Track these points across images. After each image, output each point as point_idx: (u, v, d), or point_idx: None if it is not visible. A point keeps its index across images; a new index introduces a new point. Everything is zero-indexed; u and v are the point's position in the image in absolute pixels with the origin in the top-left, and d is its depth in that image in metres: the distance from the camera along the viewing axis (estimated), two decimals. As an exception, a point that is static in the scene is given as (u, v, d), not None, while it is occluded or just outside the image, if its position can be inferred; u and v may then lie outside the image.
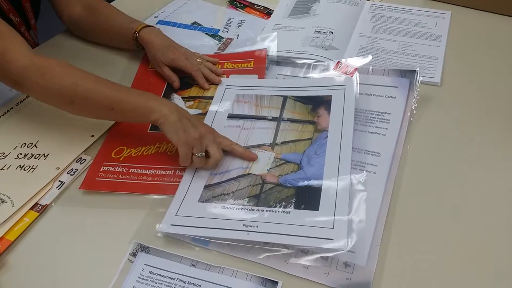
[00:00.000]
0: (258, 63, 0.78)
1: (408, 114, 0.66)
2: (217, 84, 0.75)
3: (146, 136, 0.69)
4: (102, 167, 0.64)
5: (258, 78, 0.75)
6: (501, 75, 0.74)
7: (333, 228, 0.52)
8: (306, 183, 0.59)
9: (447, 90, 0.72)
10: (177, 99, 0.75)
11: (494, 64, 0.76)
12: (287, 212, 0.55)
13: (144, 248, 0.53)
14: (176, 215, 0.57)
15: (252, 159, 0.61)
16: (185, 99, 0.74)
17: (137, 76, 0.79)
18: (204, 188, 0.60)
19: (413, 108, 0.67)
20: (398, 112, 0.66)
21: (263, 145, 0.65)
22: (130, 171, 0.63)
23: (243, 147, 0.63)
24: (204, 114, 0.70)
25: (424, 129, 0.66)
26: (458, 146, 0.63)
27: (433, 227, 0.54)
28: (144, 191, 0.60)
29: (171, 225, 0.55)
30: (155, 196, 0.60)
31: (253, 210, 0.56)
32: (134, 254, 0.53)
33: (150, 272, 0.51)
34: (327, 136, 0.63)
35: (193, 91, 0.76)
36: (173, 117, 0.59)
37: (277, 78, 0.76)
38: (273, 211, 0.55)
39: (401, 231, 0.54)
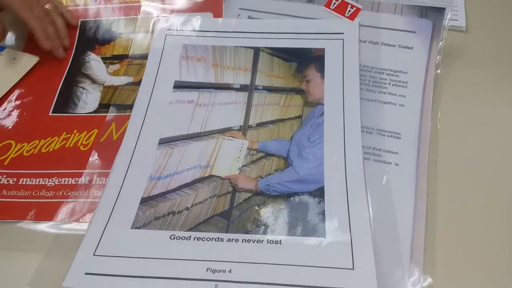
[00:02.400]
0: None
1: (432, 73, 0.47)
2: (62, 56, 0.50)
3: (46, 121, 0.45)
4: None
5: (214, 17, 0.53)
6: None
7: (353, 268, 0.34)
8: (299, 188, 0.39)
9: (476, 36, 0.54)
10: (94, 60, 0.51)
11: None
12: (275, 242, 0.36)
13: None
14: (94, 255, 0.35)
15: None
16: (107, 60, 0.51)
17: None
18: (140, 203, 0.39)
19: (439, 63, 0.48)
20: (418, 70, 0.47)
21: (229, 129, 0.43)
22: (20, 182, 0.41)
23: None
24: (137, 83, 0.47)
25: (456, 94, 0.47)
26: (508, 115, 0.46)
27: (495, 239, 0.37)
28: (41, 216, 0.38)
29: (86, 274, 0.34)
30: (64, 225, 0.38)
31: (222, 240, 0.36)
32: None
33: None
34: (323, 112, 0.44)
35: (118, 47, 0.52)
36: None
37: (239, 16, 0.53)
38: (253, 241, 0.36)
39: (451, 253, 0.37)
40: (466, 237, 0.38)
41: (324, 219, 0.37)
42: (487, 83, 0.49)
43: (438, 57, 0.48)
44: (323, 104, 0.44)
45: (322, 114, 0.43)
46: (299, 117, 0.44)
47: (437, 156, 0.42)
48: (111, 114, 0.45)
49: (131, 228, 0.37)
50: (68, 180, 0.40)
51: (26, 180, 0.41)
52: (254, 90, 0.46)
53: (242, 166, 0.41)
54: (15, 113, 0.46)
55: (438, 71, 0.48)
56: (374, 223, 0.36)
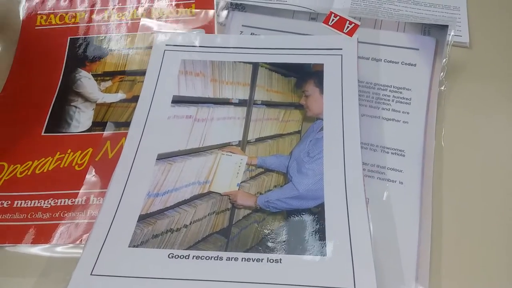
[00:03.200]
0: (203, 6, 0.60)
1: (436, 90, 0.52)
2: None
3: (39, 141, 0.50)
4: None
5: (206, 33, 0.58)
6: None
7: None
8: (299, 204, 0.44)
9: (480, 52, 0.59)
10: (85, 77, 0.56)
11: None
12: (276, 261, 0.40)
13: None
14: (91, 274, 0.39)
15: None
16: (98, 77, 0.56)
17: (21, 39, 0.60)
18: (138, 220, 0.43)
19: (442, 80, 0.53)
20: (422, 87, 0.52)
21: (228, 144, 0.48)
22: (14, 205, 0.45)
23: None
24: (130, 100, 0.53)
25: (460, 110, 0.52)
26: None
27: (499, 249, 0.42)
28: (38, 240, 0.42)
29: (84, 296, 0.39)
30: (60, 248, 0.42)
31: (221, 259, 0.40)
32: None
33: None
34: (322, 127, 0.49)
35: (110, 63, 0.57)
36: None
37: (242, 33, 0.59)
38: (253, 260, 0.40)
39: (458, 274, 0.41)
40: (473, 257, 0.42)
41: (325, 237, 0.41)
42: (491, 99, 0.54)
43: (442, 73, 0.54)
44: (322, 119, 0.49)
45: (322, 129, 0.48)
46: (299, 132, 0.49)
47: (442, 174, 0.47)
48: (108, 132, 0.50)
49: (129, 246, 0.41)
50: (64, 201, 0.45)
51: (21, 203, 0.45)
52: (253, 105, 0.51)
53: (241, 182, 0.45)
54: (7, 134, 0.51)
55: (442, 88, 0.53)
56: (377, 242, 0.41)
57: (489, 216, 0.44)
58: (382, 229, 0.42)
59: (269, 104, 0.51)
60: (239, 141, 0.49)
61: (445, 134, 0.50)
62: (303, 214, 0.43)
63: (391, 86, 0.53)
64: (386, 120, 0.50)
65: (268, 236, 0.42)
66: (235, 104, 0.51)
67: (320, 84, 0.52)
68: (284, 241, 0.41)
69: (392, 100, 0.52)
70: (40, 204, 0.45)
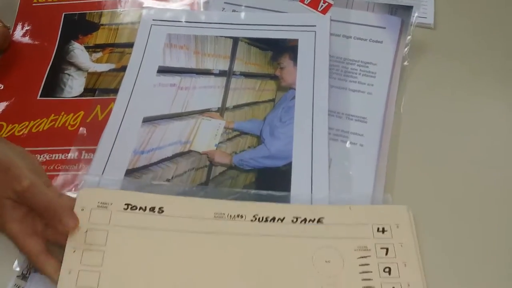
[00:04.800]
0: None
1: (399, 65, 0.58)
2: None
3: (35, 104, 0.55)
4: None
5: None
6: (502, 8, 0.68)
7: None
8: (270, 163, 0.50)
9: (443, 33, 0.65)
10: (78, 49, 0.61)
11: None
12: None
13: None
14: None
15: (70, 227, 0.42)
16: (90, 49, 0.61)
17: (19, 14, 0.65)
18: (125, 174, 0.49)
19: (405, 57, 0.59)
20: (386, 62, 0.58)
21: (208, 110, 0.54)
22: (12, 157, 0.50)
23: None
24: (119, 69, 0.58)
25: (420, 85, 0.58)
26: (466, 105, 0.57)
27: (444, 212, 0.48)
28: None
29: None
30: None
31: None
32: (24, 277, 0.42)
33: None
34: (294, 96, 0.54)
35: (101, 36, 0.62)
36: None
37: (224, 10, 0.64)
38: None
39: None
40: (422, 212, 0.48)
41: (290, 189, 0.47)
42: (450, 76, 0.60)
43: (406, 49, 0.59)
44: (294, 89, 0.55)
45: (294, 98, 0.54)
46: (273, 100, 0.55)
47: (398, 139, 0.53)
48: (98, 97, 0.55)
49: (116, 193, 0.47)
50: (58, 156, 0.50)
51: (18, 156, 0.50)
52: (232, 76, 0.57)
53: (218, 143, 0.51)
54: (5, 98, 0.56)
55: (405, 63, 0.59)
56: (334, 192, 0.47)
57: (438, 176, 0.50)
58: (339, 183, 0.48)
59: (246, 75, 0.57)
60: (218, 107, 0.54)
61: (404, 104, 0.56)
62: (272, 172, 0.49)
63: (359, 61, 0.58)
64: (353, 91, 0.56)
65: (243, 189, 0.48)
66: (216, 75, 0.57)
67: (294, 57, 0.57)
68: (255, 194, 0.47)
69: (359, 74, 0.58)
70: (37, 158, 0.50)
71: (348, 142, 0.52)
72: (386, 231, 0.44)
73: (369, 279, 0.41)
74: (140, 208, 0.45)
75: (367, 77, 0.57)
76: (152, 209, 0.45)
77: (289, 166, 0.49)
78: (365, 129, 0.53)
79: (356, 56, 0.59)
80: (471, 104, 0.57)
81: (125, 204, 0.45)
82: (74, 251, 0.42)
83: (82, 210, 0.44)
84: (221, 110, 0.54)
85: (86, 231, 0.43)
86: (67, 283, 0.40)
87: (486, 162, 0.52)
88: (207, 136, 0.52)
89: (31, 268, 0.42)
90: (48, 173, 0.48)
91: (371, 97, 0.56)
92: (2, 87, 0.58)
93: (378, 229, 0.44)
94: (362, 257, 0.42)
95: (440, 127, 0.55)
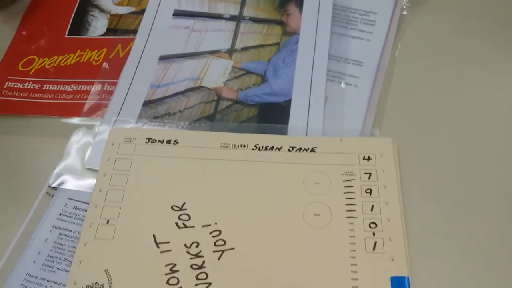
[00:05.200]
0: None
1: (398, 15, 0.62)
2: None
3: (63, 41, 0.61)
4: (7, 83, 0.57)
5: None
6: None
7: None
8: (272, 99, 0.55)
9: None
10: (100, -8, 0.66)
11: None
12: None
13: (67, 180, 0.49)
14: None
15: None
16: (112, -9, 0.66)
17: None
18: (143, 105, 0.55)
19: (404, 7, 0.63)
20: (385, 11, 0.62)
21: (218, 51, 0.59)
22: (44, 87, 0.57)
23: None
24: (138, 12, 0.63)
25: (416, 34, 0.62)
26: (458, 55, 0.61)
27: (427, 150, 0.53)
28: (63, 113, 0.55)
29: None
30: (79, 120, 0.54)
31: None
32: (54, 188, 0.49)
33: (75, 207, 0.48)
34: (298, 40, 0.59)
35: (122, -20, 0.67)
36: None
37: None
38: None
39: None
40: (409, 145, 0.53)
41: (289, 117, 0.53)
42: (447, 29, 0.63)
43: (405, 3, 0.63)
44: (298, 34, 0.59)
45: (297, 42, 0.59)
46: (277, 44, 0.59)
47: (391, 82, 0.58)
48: (118, 36, 0.61)
49: (135, 123, 0.53)
50: (84, 86, 0.57)
51: (49, 86, 0.57)
52: (241, 20, 0.61)
53: (226, 80, 0.57)
54: (36, 36, 0.62)
55: (404, 13, 0.63)
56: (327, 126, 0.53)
57: (424, 116, 0.55)
58: (334, 119, 0.54)
59: (255, 20, 0.62)
60: (228, 49, 0.59)
61: (399, 51, 0.60)
62: (273, 107, 0.55)
63: (360, 10, 0.62)
64: (352, 38, 0.61)
65: (244, 122, 0.53)
66: (226, 19, 0.62)
67: (300, 5, 0.62)
68: (257, 126, 0.53)
69: (360, 22, 0.62)
70: (64, 88, 0.56)
71: (343, 83, 0.57)
72: (371, 159, 0.50)
73: (351, 198, 0.47)
74: (159, 141, 0.52)
75: (367, 25, 0.61)
76: (169, 141, 0.52)
77: (288, 102, 0.54)
78: (361, 72, 0.58)
79: (358, 6, 0.63)
80: (463, 55, 0.61)
81: (147, 138, 0.52)
82: (105, 175, 0.49)
83: (112, 144, 0.51)
84: (230, 52, 0.59)
85: (115, 160, 0.50)
86: (97, 199, 0.48)
87: (471, 106, 0.56)
88: (216, 74, 0.57)
89: (60, 180, 0.50)
90: (75, 102, 0.55)
91: (369, 43, 0.60)
92: (24, 34, 0.63)
93: (364, 157, 0.50)
94: (347, 180, 0.49)
95: (431, 73, 0.59)
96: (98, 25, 0.63)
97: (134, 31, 0.61)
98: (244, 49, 0.60)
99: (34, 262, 0.45)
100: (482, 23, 0.64)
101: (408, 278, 0.43)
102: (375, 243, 0.45)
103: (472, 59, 0.60)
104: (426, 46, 0.61)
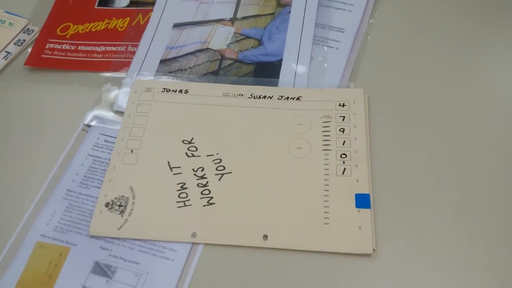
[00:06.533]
0: None
1: (377, -11, 0.72)
2: None
3: (93, 11, 0.73)
4: (48, 44, 0.69)
5: None
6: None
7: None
8: (266, 59, 0.66)
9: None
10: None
11: None
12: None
13: (99, 119, 0.61)
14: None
15: None
16: (135, -30, 0.77)
17: None
18: (160, 62, 0.66)
19: (382, -18, 0.73)
20: (366, -14, 0.72)
21: (222, 20, 0.70)
22: (78, 48, 0.68)
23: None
24: (157, -13, 0.74)
25: (391, 6, 0.72)
26: (427, 22, 0.71)
27: (391, 99, 0.63)
28: (95, 68, 0.66)
29: (129, 98, 0.63)
30: (108, 74, 0.66)
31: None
32: (88, 125, 0.61)
33: (105, 140, 0.59)
34: (290, 11, 0.69)
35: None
36: None
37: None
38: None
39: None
40: (379, 95, 0.64)
41: (279, 72, 0.64)
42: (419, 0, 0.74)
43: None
44: (290, 6, 0.70)
45: (289, 12, 0.69)
46: (272, 14, 0.70)
47: (366, 45, 0.68)
48: (139, 7, 0.72)
49: (153, 76, 0.65)
50: (111, 48, 0.68)
51: (82, 47, 0.68)
52: (242, -6, 0.73)
53: (229, 44, 0.68)
54: (72, 8, 0.74)
55: (382, -12, 0.73)
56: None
57: (393, 72, 0.66)
58: (317, 75, 0.64)
59: (254, -6, 0.73)
60: (230, 18, 0.70)
61: (375, 20, 0.70)
62: (267, 65, 0.65)
63: (344, -15, 0.73)
64: (336, 9, 0.71)
65: (243, 76, 0.64)
66: (230, -7, 0.73)
67: (293, -18, 0.72)
68: (253, 79, 0.64)
69: (343, -4, 0.72)
70: (95, 49, 0.68)
71: (326, 46, 0.67)
72: (346, 105, 0.60)
73: (327, 135, 0.58)
74: (172, 90, 0.63)
75: (349, -2, 0.72)
76: (180, 91, 0.63)
77: (280, 61, 0.65)
78: (342, 37, 0.68)
79: (343, -18, 0.74)
80: (432, 22, 0.70)
81: (163, 88, 0.63)
82: (129, 116, 0.61)
83: (135, 92, 0.63)
84: (232, 20, 0.70)
85: (137, 105, 0.62)
86: (123, 134, 0.59)
87: (431, 65, 0.66)
88: (220, 38, 0.68)
89: (94, 119, 0.61)
90: (104, 60, 0.67)
91: (350, 13, 0.70)
92: (61, 5, 0.74)
93: (339, 104, 0.61)
94: (325, 122, 0.59)
95: (401, 39, 0.69)
96: (123, -1, 0.75)
97: (152, 3, 0.72)
98: (244, 18, 0.70)
99: (73, 180, 0.57)
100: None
101: (369, 195, 0.54)
102: (344, 169, 0.56)
103: (440, 27, 0.70)
104: (399, 16, 0.72)
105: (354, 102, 0.61)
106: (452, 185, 0.56)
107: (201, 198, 0.55)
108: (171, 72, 0.65)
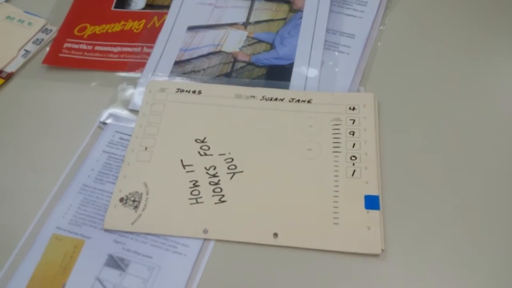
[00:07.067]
0: None
1: (387, -2, 0.74)
2: None
3: (110, 13, 0.74)
4: (65, 44, 0.70)
5: None
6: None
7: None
8: (278, 62, 0.67)
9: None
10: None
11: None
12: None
13: (114, 117, 0.62)
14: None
15: None
16: (151, -25, 0.79)
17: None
18: (174, 64, 0.67)
19: (393, -11, 0.74)
20: (377, -6, 0.74)
21: (236, 24, 0.72)
22: (95, 48, 0.70)
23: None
24: (173, -9, 0.76)
25: (403, 11, 0.74)
26: (437, 30, 0.72)
27: (401, 103, 0.64)
28: (111, 68, 0.68)
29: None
30: (123, 74, 0.67)
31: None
32: (104, 123, 0.62)
33: (121, 138, 0.61)
34: (301, 16, 0.71)
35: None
36: None
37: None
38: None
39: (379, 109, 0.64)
40: (389, 100, 0.65)
41: (291, 75, 0.65)
42: (431, 13, 0.75)
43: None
44: (302, 11, 0.71)
45: (301, 18, 0.71)
46: (285, 19, 0.72)
47: (377, 51, 0.69)
48: (155, 10, 0.74)
49: (168, 77, 0.66)
50: (127, 48, 0.70)
51: (99, 48, 0.70)
52: (256, 0, 0.74)
53: (241, 47, 0.69)
54: (89, 9, 0.75)
55: (392, -5, 0.74)
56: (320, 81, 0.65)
57: (403, 78, 0.67)
58: (328, 79, 0.65)
59: None
60: (243, 22, 0.72)
61: (386, 26, 0.72)
62: (278, 68, 0.67)
63: (355, -8, 0.75)
64: (347, 15, 0.72)
65: (255, 79, 0.66)
66: (244, -2, 0.75)
67: (305, -12, 0.74)
68: (264, 82, 0.65)
69: (354, 2, 0.73)
70: (112, 49, 0.70)
71: (337, 52, 0.68)
72: (356, 109, 0.62)
73: (338, 138, 0.59)
74: (186, 91, 0.64)
75: (360, 5, 0.73)
76: (194, 92, 0.64)
77: (291, 65, 0.67)
78: (352, 43, 0.69)
79: (354, -11, 0.75)
80: (441, 30, 0.72)
81: (177, 89, 0.64)
82: (144, 115, 0.62)
83: (150, 92, 0.64)
84: (245, 24, 0.72)
85: (152, 104, 0.63)
86: (138, 132, 0.61)
87: (441, 70, 0.67)
88: (233, 41, 0.70)
89: (110, 117, 0.62)
90: (120, 60, 0.68)
91: (361, 20, 0.72)
92: (79, 7, 0.76)
93: (350, 107, 0.62)
94: (335, 124, 0.60)
95: (411, 45, 0.70)
96: (138, 1, 0.76)
97: (168, 6, 0.74)
98: (257, 22, 0.72)
99: (88, 176, 0.58)
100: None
101: (378, 197, 0.55)
102: (354, 171, 0.57)
103: (449, 34, 0.72)
104: (409, 23, 0.73)
105: (364, 106, 0.62)
106: (461, 188, 0.56)
107: (213, 196, 0.56)
108: (185, 74, 0.67)
